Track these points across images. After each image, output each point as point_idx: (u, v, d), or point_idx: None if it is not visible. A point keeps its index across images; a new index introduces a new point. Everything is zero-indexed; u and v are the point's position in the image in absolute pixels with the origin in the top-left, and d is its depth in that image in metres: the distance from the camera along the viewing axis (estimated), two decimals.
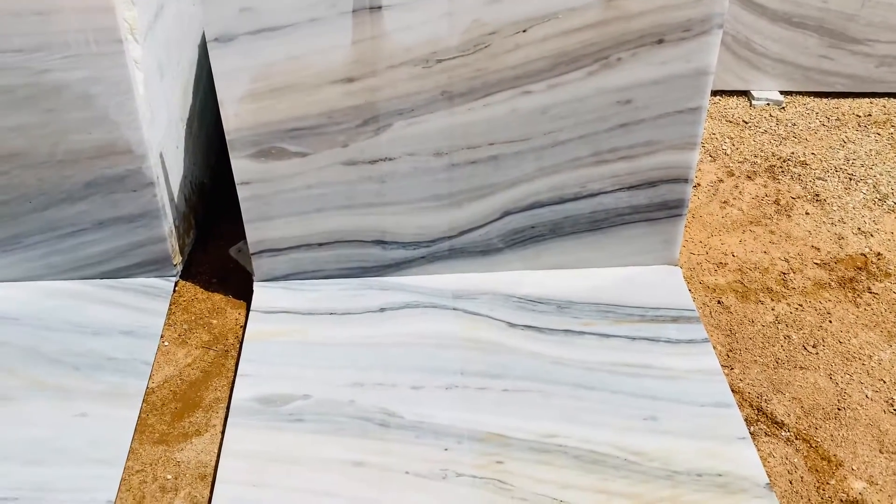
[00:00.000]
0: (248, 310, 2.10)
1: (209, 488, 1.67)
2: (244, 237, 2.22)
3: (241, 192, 1.98)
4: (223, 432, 1.78)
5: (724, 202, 2.55)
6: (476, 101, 1.91)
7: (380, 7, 1.75)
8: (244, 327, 2.05)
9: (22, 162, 1.88)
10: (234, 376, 1.91)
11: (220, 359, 1.99)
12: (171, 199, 2.08)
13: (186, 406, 1.86)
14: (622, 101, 1.93)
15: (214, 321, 2.10)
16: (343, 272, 2.17)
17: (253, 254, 2.11)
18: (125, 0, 1.77)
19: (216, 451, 1.75)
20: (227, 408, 1.83)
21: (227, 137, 1.89)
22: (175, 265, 2.14)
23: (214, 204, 2.46)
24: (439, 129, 1.94)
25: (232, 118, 1.86)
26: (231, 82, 1.81)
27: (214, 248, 2.33)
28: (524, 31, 1.82)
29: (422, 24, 1.79)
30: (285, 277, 2.15)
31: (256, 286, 2.14)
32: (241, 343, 1.99)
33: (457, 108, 1.91)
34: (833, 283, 2.24)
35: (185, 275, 2.22)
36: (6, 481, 1.64)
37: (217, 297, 2.17)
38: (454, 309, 2.07)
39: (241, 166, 1.94)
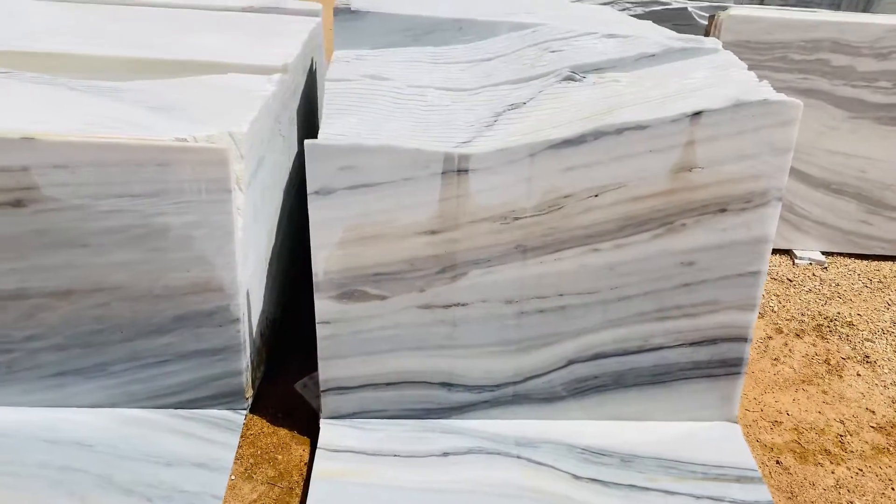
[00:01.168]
0: (312, 446, 2.14)
1: None
2: (309, 372, 2.29)
3: (321, 331, 2.08)
4: None
5: (776, 359, 2.60)
6: (548, 255, 2.03)
7: (467, 171, 1.92)
8: (308, 464, 2.08)
9: (121, 295, 2.00)
10: None
11: (284, 496, 2.00)
12: (251, 335, 2.18)
13: None
14: (686, 263, 2.05)
15: (279, 457, 2.12)
16: (406, 413, 2.21)
17: (323, 391, 2.17)
18: (235, 154, 1.96)
19: None
20: None
21: (314, 279, 2.00)
22: (247, 398, 2.20)
23: (283, 338, 2.55)
24: (512, 279, 2.05)
25: (321, 262, 1.99)
26: (325, 231, 1.95)
27: (281, 381, 2.39)
28: (596, 195, 1.97)
29: (503, 186, 1.95)
30: (350, 416, 2.20)
31: (323, 423, 2.18)
32: (307, 481, 2.01)
33: (529, 261, 2.04)
34: (892, 448, 2.24)
35: (253, 408, 2.27)
36: None
37: (283, 431, 2.21)
38: (518, 457, 2.09)
39: (323, 307, 2.04)
